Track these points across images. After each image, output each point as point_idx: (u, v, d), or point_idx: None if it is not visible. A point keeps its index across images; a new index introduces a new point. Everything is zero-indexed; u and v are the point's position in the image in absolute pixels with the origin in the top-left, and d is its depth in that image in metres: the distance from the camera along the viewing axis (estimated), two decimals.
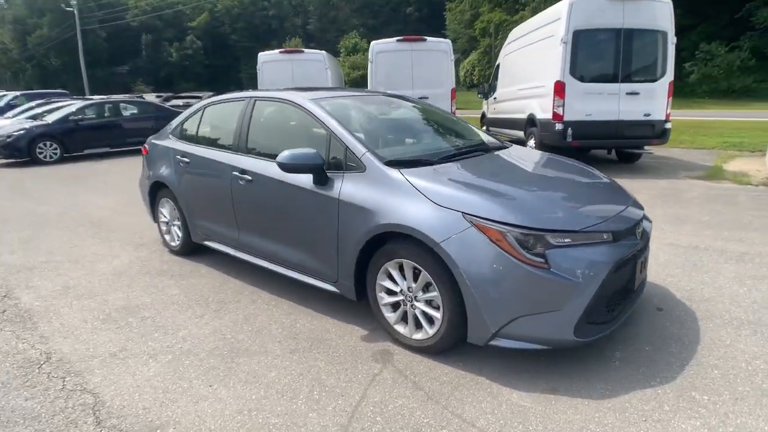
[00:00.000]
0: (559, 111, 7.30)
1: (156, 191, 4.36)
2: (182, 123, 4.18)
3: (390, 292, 2.63)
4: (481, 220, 2.22)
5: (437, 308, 2.41)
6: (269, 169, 3.13)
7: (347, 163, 2.74)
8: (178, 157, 3.98)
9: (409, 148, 3.22)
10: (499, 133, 10.10)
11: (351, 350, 2.61)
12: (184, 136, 4.13)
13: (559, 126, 7.32)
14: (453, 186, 2.46)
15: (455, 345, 2.45)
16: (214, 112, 3.97)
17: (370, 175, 2.62)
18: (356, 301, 2.81)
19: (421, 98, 9.02)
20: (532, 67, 8.29)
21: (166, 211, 4.31)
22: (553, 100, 7.34)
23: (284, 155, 2.75)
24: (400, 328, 2.60)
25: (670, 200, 5.65)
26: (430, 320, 2.48)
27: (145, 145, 4.59)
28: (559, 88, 7.25)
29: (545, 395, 2.16)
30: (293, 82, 11.57)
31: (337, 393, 2.24)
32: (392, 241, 2.50)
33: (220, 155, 3.57)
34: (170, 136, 4.26)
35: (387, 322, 2.65)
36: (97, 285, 3.69)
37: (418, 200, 2.40)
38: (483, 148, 3.24)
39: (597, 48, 7.21)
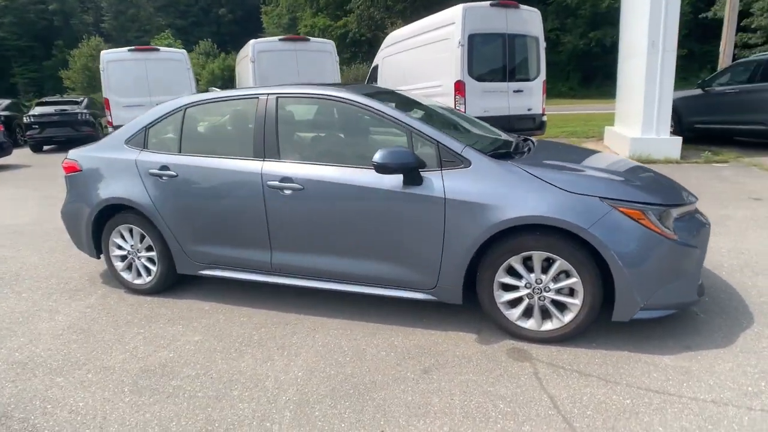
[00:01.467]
0: (461, 108, 7.86)
1: (104, 218, 3.32)
2: (146, 129, 3.26)
3: (508, 288, 2.53)
4: (622, 202, 2.31)
5: (570, 296, 2.42)
6: (329, 174, 2.70)
7: (443, 160, 2.53)
8: (154, 171, 3.10)
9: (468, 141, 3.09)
10: None
11: (483, 356, 2.43)
12: (156, 145, 3.23)
13: None
14: (573, 173, 2.50)
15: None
16: (203, 114, 3.22)
17: (479, 169, 2.48)
18: (460, 305, 2.64)
19: None
20: (428, 68, 8.71)
21: (123, 241, 3.33)
22: (455, 98, 7.87)
23: (383, 155, 2.41)
24: (524, 323, 2.53)
25: None
26: (561, 309, 2.47)
27: (71, 161, 3.45)
28: (460, 87, 7.80)
29: (686, 353, 2.37)
30: (148, 83, 10.07)
31: (523, 400, 2.08)
32: (517, 235, 2.41)
33: (238, 164, 2.92)
34: (127, 146, 3.28)
35: (507, 320, 2.55)
36: (65, 351, 2.65)
37: (546, 190, 2.36)
38: (522, 140, 3.33)
39: (488, 50, 7.98)
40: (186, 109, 3.19)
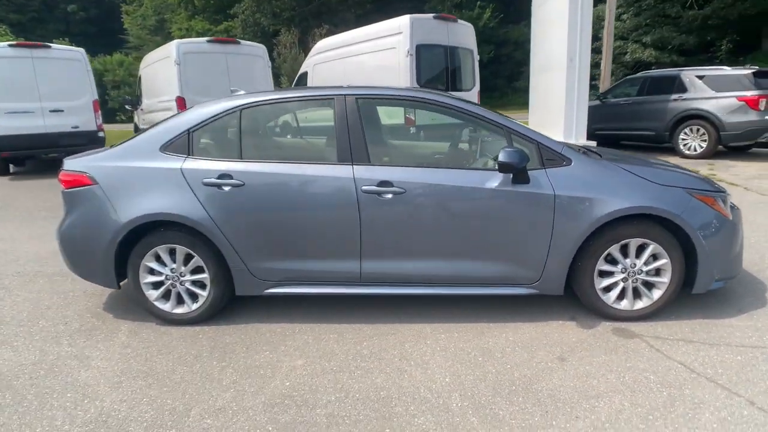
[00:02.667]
0: (410, 116, 8.14)
1: (133, 239, 2.82)
2: (190, 133, 2.85)
3: (604, 274, 2.77)
4: (698, 191, 2.70)
5: (657, 275, 2.75)
6: (430, 176, 2.69)
7: (545, 159, 2.69)
8: (211, 180, 2.74)
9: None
10: None
11: (597, 338, 2.63)
12: (206, 151, 2.85)
13: (412, 130, 8.17)
14: (655, 168, 2.83)
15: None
16: (263, 116, 2.92)
17: (579, 166, 2.68)
18: (558, 295, 2.81)
19: None
20: (373, 75, 8.73)
21: (159, 265, 2.86)
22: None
23: (508, 155, 2.48)
24: (618, 305, 2.79)
25: None
26: (649, 289, 2.78)
27: (77, 173, 2.87)
28: None
29: (746, 313, 2.85)
30: (36, 83, 8.68)
31: (662, 370, 2.31)
32: (618, 225, 2.65)
33: (322, 169, 2.73)
34: (165, 152, 2.83)
35: (605, 303, 2.78)
36: (147, 400, 2.22)
37: (640, 183, 2.66)
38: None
39: (432, 61, 8.38)
40: (242, 110, 2.87)
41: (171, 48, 8.59)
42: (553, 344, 2.59)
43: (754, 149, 9.10)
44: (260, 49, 9.46)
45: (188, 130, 2.86)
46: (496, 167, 2.64)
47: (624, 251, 2.73)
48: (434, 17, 8.24)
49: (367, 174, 2.69)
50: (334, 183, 2.70)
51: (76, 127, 9.17)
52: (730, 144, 8.19)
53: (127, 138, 3.11)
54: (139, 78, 11.20)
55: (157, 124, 3.06)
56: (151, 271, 2.90)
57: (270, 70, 9.56)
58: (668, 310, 2.87)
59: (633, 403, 2.09)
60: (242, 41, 9.35)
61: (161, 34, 46.35)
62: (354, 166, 2.71)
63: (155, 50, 10.44)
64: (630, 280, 2.76)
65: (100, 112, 9.60)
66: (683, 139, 8.57)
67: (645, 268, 2.74)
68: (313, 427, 2.00)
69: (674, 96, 8.71)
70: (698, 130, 8.35)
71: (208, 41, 8.82)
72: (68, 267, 3.08)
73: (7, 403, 2.22)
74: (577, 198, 2.62)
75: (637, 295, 2.80)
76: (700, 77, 8.41)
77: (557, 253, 2.68)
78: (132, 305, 3.21)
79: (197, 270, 2.88)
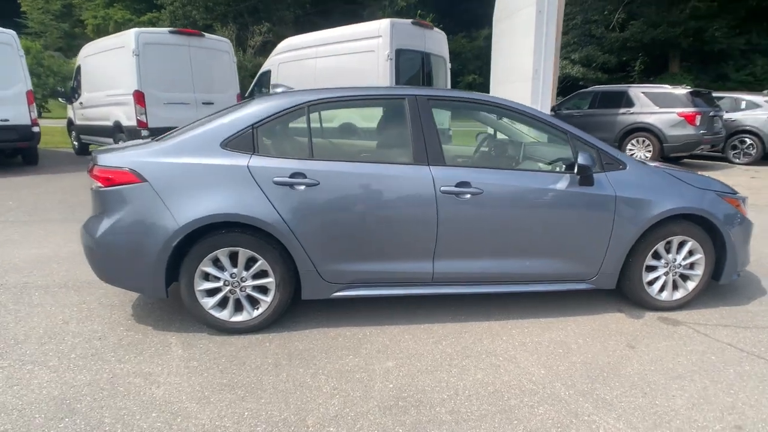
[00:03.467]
0: None
1: (188, 243, 2.64)
2: (254, 129, 2.72)
3: (649, 269, 3.06)
4: (726, 194, 3.08)
5: (690, 269, 3.09)
6: (504, 177, 2.82)
7: (604, 163, 2.91)
8: (283, 179, 2.65)
9: None
10: None
11: (651, 327, 2.89)
12: (272, 149, 2.76)
13: None
14: (690, 173, 3.16)
15: None
16: (329, 113, 2.85)
17: (633, 170, 2.94)
18: (613, 289, 3.05)
19: (206, 104, 8.09)
20: (349, 77, 8.72)
21: (217, 270, 2.71)
22: None
23: (587, 158, 2.68)
24: (661, 296, 3.08)
25: None
26: (684, 280, 3.11)
27: (122, 169, 2.64)
28: None
29: (756, 299, 3.28)
30: None
31: (718, 349, 2.62)
32: (665, 224, 2.95)
33: (400, 169, 2.75)
34: (227, 149, 2.68)
35: (650, 295, 3.07)
36: (249, 414, 2.11)
37: (683, 186, 2.98)
38: None
39: (410, 66, 8.54)
40: (308, 106, 2.80)
41: (128, 37, 7.97)
42: (616, 334, 2.81)
43: (686, 159, 10.31)
44: (225, 43, 9.08)
45: (252, 125, 2.74)
46: (563, 170, 2.83)
47: (667, 247, 3.03)
48: (412, 23, 8.44)
49: (445, 175, 2.75)
50: (412, 183, 2.73)
51: (6, 120, 8.21)
52: (671, 155, 9.22)
53: (170, 133, 2.90)
54: (77, 69, 10.24)
55: (208, 118, 2.90)
56: (206, 277, 2.73)
57: (235, 66, 9.19)
58: (696, 301, 3.22)
59: (712, 380, 2.35)
60: (206, 34, 8.90)
61: (69, 21, 42.48)
62: (431, 167, 2.76)
63: (102, 39, 9.61)
64: (671, 274, 3.07)
65: (34, 104, 8.67)
66: (630, 150, 9.49)
67: (683, 263, 3.06)
68: (443, 425, 2.03)
69: (622, 110, 9.64)
70: (644, 141, 9.30)
71: (171, 32, 8.30)
72: (101, 276, 2.81)
73: (84, 430, 1.99)
74: (634, 199, 2.88)
75: (675, 287, 3.11)
76: (645, 93, 9.39)
77: (614, 250, 2.92)
78: (167, 314, 2.99)
79: (259, 274, 2.76)
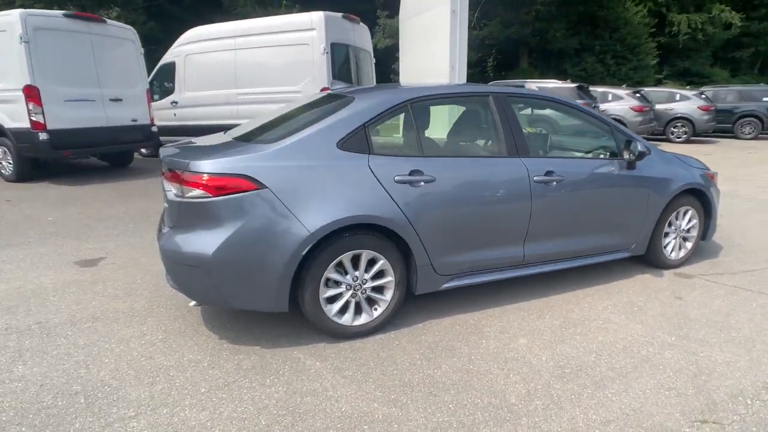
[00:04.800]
0: None
1: (315, 251, 2.55)
2: (366, 128, 2.69)
3: (665, 235, 3.78)
4: (707, 170, 3.94)
5: (688, 232, 3.91)
6: (577, 164, 3.26)
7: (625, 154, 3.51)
8: (403, 177, 2.69)
9: None
10: None
11: (678, 283, 3.61)
12: (384, 147, 2.77)
13: None
14: (680, 155, 3.95)
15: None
16: (427, 110, 2.94)
17: (656, 155, 3.60)
18: (642, 254, 3.70)
19: (114, 100, 7.39)
20: (279, 72, 8.42)
21: (340, 275, 2.66)
22: None
23: (644, 146, 3.24)
24: (670, 255, 3.84)
25: None
26: (685, 241, 3.92)
27: (237, 176, 2.43)
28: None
29: (726, 253, 4.26)
30: None
31: (751, 295, 3.42)
32: (678, 197, 3.68)
33: (500, 162, 2.98)
34: (343, 149, 2.62)
35: (667, 257, 3.80)
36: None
37: (687, 167, 3.75)
38: None
39: (343, 60, 8.57)
40: (410, 104, 2.86)
41: (11, 20, 6.56)
42: (660, 290, 3.46)
43: None
44: (130, 31, 8.00)
45: (364, 125, 2.71)
46: (607, 156, 3.37)
47: (676, 216, 3.79)
48: (342, 17, 8.47)
49: (535, 165, 3.06)
50: (512, 175, 2.99)
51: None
52: None
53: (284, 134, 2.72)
54: None
55: (315, 118, 2.77)
56: (329, 283, 2.65)
57: (143, 57, 8.18)
58: (690, 259, 4.07)
59: (749, 315, 3.10)
60: (108, 20, 7.74)
61: None
62: (522, 159, 3.05)
63: None
64: (679, 238, 3.85)
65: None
66: None
67: (686, 227, 3.87)
68: (615, 380, 2.37)
69: None
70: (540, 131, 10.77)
71: (66, 16, 7.04)
72: (214, 297, 2.53)
73: None
74: (661, 179, 3.55)
75: (680, 247, 3.90)
76: (540, 88, 10.84)
77: (648, 222, 3.57)
78: (251, 330, 2.82)
79: (377, 275, 2.76)
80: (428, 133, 3.14)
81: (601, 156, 3.50)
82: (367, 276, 2.72)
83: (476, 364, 2.52)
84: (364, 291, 2.74)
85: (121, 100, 7.74)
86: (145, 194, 6.55)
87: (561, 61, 27.72)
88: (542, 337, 2.80)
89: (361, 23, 9.18)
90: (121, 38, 7.80)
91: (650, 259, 3.81)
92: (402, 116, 2.88)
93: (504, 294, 3.34)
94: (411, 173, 2.72)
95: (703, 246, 4.28)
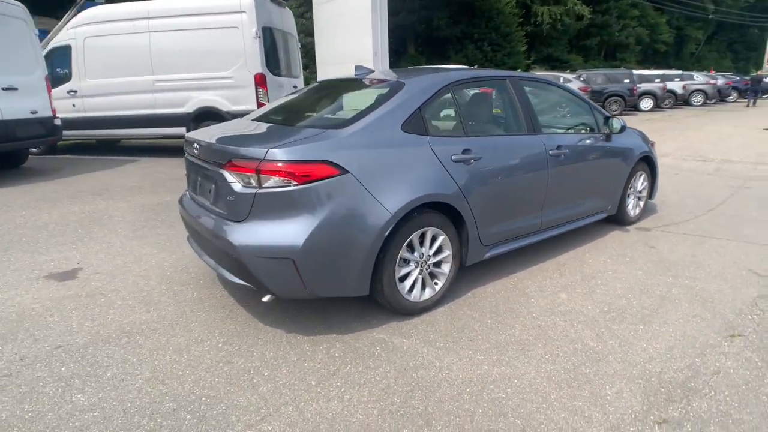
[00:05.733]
0: (264, 101, 7.86)
1: (393, 232, 2.58)
2: (421, 111, 2.74)
3: (629, 196, 4.40)
4: (649, 140, 4.65)
5: (641, 193, 4.60)
6: (574, 140, 3.66)
7: (604, 128, 4.03)
8: (458, 156, 2.82)
9: None
10: (104, 135, 8.55)
11: (644, 235, 4.25)
12: (437, 129, 2.85)
13: None
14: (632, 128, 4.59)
15: None
16: (464, 92, 3.06)
17: (626, 131, 4.17)
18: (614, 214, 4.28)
19: (7, 89, 6.60)
20: (203, 57, 7.76)
21: (409, 254, 2.73)
22: (257, 92, 7.76)
23: (622, 122, 3.72)
24: (631, 213, 4.49)
25: None
26: (641, 200, 4.61)
27: (320, 162, 2.35)
28: (262, 80, 7.77)
29: (666, 208, 5.08)
30: None
31: (704, 237, 4.15)
32: (639, 162, 4.30)
33: (525, 139, 3.25)
34: (407, 132, 2.65)
35: (628, 213, 4.42)
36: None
37: (642, 138, 4.40)
38: None
39: (272, 45, 8.19)
40: (452, 86, 2.96)
41: None
42: (634, 243, 4.06)
43: None
44: (18, 8, 6.73)
45: (419, 107, 2.76)
46: (588, 131, 3.84)
47: (636, 179, 4.43)
48: (270, 0, 8.08)
49: (548, 141, 3.38)
50: (534, 150, 3.26)
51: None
52: None
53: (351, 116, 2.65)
54: None
55: (372, 102, 2.72)
56: (402, 262, 2.70)
57: (38, 38, 6.96)
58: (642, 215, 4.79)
59: (708, 254, 3.80)
60: None
61: None
62: (539, 135, 3.34)
63: None
64: (635, 198, 4.52)
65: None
66: None
67: (640, 188, 4.54)
68: (674, 307, 2.80)
69: None
70: None
71: None
72: (297, 288, 2.41)
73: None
74: (627, 148, 4.13)
75: (636, 206, 4.58)
76: None
77: (619, 186, 4.14)
78: (291, 317, 2.78)
79: (437, 251, 2.87)
80: (473, 111, 3.29)
81: (583, 131, 3.95)
82: (430, 252, 2.81)
83: (541, 320, 2.78)
84: (428, 267, 2.83)
85: (16, 89, 6.54)
86: (75, 197, 5.69)
87: (445, 48, 29.28)
88: (575, 290, 3.16)
89: (287, 6, 8.83)
90: (8, 16, 6.55)
91: (618, 218, 4.42)
92: (447, 98, 2.97)
93: (520, 260, 3.65)
94: (464, 152, 2.85)
95: (648, 204, 5.07)
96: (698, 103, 20.24)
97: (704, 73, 23.42)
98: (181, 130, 8.00)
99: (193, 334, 2.64)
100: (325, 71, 11.11)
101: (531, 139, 3.30)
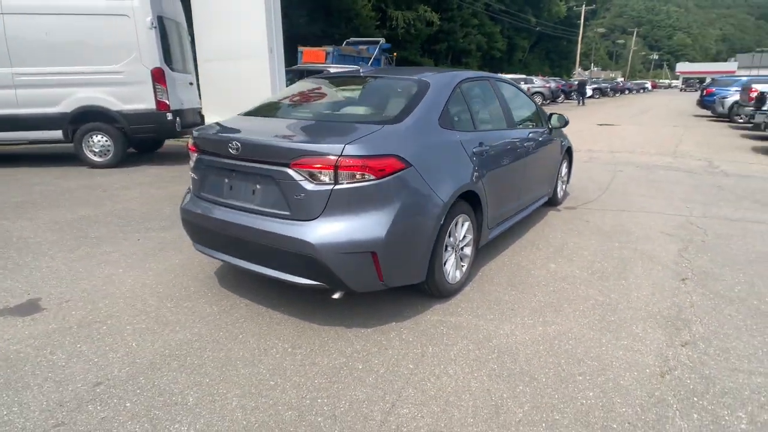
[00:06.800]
0: (164, 99, 7.22)
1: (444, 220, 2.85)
2: (447, 107, 3.03)
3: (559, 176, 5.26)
4: (570, 143, 5.61)
5: (563, 178, 5.53)
6: (535, 134, 4.29)
7: (546, 124, 4.78)
8: (477, 149, 3.18)
9: None
10: None
11: (572, 211, 5.14)
12: (458, 124, 3.15)
13: (169, 116, 7.28)
14: None
15: None
16: (469, 93, 3.41)
17: (566, 126, 4.97)
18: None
19: None
20: (82, 48, 6.73)
21: (449, 239, 3.02)
22: (155, 89, 7.10)
23: (564, 118, 4.47)
24: (558, 196, 5.37)
25: None
26: (568, 179, 5.53)
27: (389, 156, 2.50)
28: (160, 76, 7.12)
29: (575, 189, 6.13)
30: None
31: (619, 212, 5.17)
32: (568, 151, 5.18)
33: (509, 132, 3.75)
34: (442, 127, 2.92)
35: (558, 196, 5.30)
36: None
37: (563, 131, 5.29)
38: None
39: (168, 36, 7.49)
40: (461, 85, 3.29)
41: None
42: (572, 219, 4.89)
43: None
44: None
45: (446, 104, 3.04)
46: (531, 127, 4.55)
47: (561, 167, 5.31)
48: None
49: (522, 134, 3.94)
50: (516, 142, 3.78)
51: None
52: None
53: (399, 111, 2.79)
54: None
55: (410, 97, 2.91)
56: (446, 247, 2.96)
57: None
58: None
59: (629, 223, 4.80)
60: None
61: None
62: (516, 129, 3.88)
63: None
64: (561, 182, 5.41)
65: None
66: None
67: (564, 174, 5.45)
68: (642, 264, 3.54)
69: None
70: None
71: None
72: (373, 280, 2.50)
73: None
74: (560, 141, 4.96)
75: (561, 189, 5.48)
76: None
77: (556, 172, 4.95)
78: (343, 310, 2.93)
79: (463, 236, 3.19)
80: (475, 108, 3.62)
81: (539, 127, 4.65)
82: (460, 237, 3.12)
83: (551, 286, 3.29)
84: (459, 251, 3.13)
85: None
86: None
87: (306, 46, 29.35)
88: (558, 260, 3.77)
89: None
90: None
91: (552, 200, 5.25)
92: (459, 95, 3.29)
93: (499, 242, 4.17)
94: (480, 145, 3.22)
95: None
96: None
97: (540, 77, 27.86)
98: (56, 133, 6.92)
99: (250, 345, 2.53)
100: (209, 70, 10.28)
101: (513, 132, 3.83)
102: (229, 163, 2.67)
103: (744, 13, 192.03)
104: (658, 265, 3.70)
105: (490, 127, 3.64)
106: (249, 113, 3.30)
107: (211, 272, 3.47)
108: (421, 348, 2.52)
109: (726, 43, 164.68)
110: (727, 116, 15.88)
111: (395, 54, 22.71)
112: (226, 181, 2.72)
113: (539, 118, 4.60)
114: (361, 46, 18.35)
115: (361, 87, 3.58)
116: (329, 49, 16.10)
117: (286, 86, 10.55)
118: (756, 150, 9.99)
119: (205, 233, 2.89)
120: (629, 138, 12.09)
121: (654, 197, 5.83)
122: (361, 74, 3.50)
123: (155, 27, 6.92)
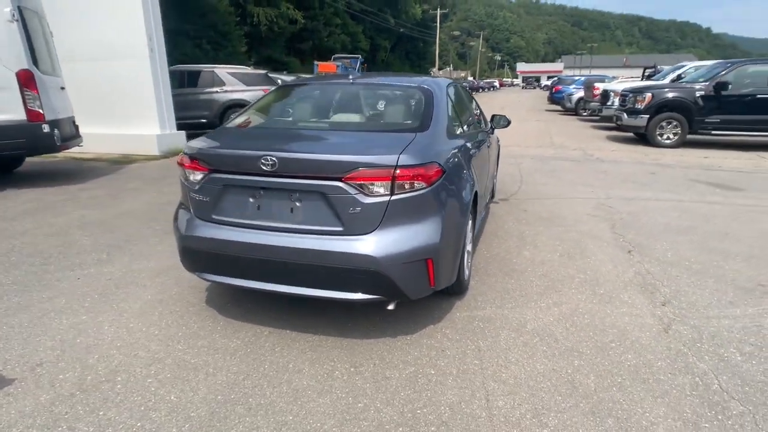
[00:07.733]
0: (37, 108, 6.18)
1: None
2: (448, 113, 3.24)
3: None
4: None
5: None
6: (485, 134, 4.71)
7: (492, 125, 5.24)
8: (470, 150, 3.46)
9: None
10: None
11: (516, 200, 5.74)
12: (455, 129, 3.39)
13: (45, 128, 6.25)
14: None
15: None
16: (453, 97, 3.65)
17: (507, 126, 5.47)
18: None
19: None
20: None
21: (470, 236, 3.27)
22: (23, 95, 6.04)
23: (507, 119, 4.98)
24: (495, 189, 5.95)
25: None
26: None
27: (431, 164, 2.62)
28: (29, 80, 6.07)
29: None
30: None
31: (571, 203, 5.88)
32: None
33: (477, 133, 4.11)
34: (447, 131, 3.12)
35: (494, 190, 5.86)
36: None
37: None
38: None
39: (33, 31, 6.35)
40: (448, 90, 3.50)
41: None
42: (513, 209, 5.46)
43: None
44: None
45: (447, 110, 3.23)
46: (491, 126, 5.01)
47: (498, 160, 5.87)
48: None
49: (483, 134, 4.32)
50: (484, 141, 4.15)
51: None
52: None
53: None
54: None
55: (418, 105, 3.01)
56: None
57: None
58: None
59: (564, 209, 5.53)
60: None
61: None
62: (482, 129, 4.24)
63: None
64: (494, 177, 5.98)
65: None
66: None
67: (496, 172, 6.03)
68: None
69: (216, 89, 11.09)
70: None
71: None
72: (425, 286, 2.58)
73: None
74: (497, 139, 5.49)
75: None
76: (232, 74, 11.22)
77: (497, 167, 5.48)
78: (376, 329, 3.05)
79: None
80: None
81: (482, 125, 5.06)
82: (470, 235, 3.35)
83: (539, 270, 3.70)
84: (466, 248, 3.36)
85: None
86: None
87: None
88: (528, 248, 4.22)
89: None
90: None
91: (492, 193, 5.78)
92: (450, 99, 3.50)
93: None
94: (472, 147, 3.50)
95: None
96: None
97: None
98: None
99: (308, 372, 2.44)
100: (75, 72, 8.76)
101: (480, 133, 4.18)
102: (258, 181, 2.51)
103: (561, 20, 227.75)
104: (603, 242, 4.38)
105: (467, 129, 3.93)
106: (242, 125, 3.09)
107: (198, 302, 3.19)
108: (473, 344, 2.69)
109: (551, 46, 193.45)
110: (574, 110, 18.78)
111: (365, 65, 30.35)
112: (251, 200, 2.56)
113: (483, 117, 5.05)
114: (345, 60, 27.36)
115: (362, 93, 3.56)
116: (338, 63, 25.32)
117: (171, 89, 9.74)
118: (610, 138, 12.06)
119: (221, 260, 2.66)
120: (507, 132, 13.57)
121: (560, 185, 6.76)
122: (352, 81, 3.51)
123: (17, 20, 5.86)
